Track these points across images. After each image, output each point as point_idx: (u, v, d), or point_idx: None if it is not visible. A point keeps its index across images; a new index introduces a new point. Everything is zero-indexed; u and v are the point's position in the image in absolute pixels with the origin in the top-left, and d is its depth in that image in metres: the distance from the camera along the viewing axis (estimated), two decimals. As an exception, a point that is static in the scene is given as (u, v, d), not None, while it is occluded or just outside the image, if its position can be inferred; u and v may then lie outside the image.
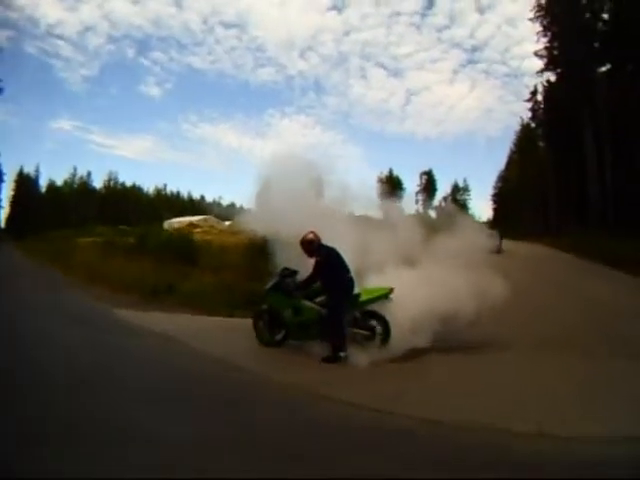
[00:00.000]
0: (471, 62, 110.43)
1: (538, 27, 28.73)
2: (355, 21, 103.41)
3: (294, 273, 6.55)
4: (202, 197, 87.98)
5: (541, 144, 40.83)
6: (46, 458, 2.99)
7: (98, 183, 77.85)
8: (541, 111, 34.43)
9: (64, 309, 9.26)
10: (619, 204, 24.46)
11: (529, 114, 38.64)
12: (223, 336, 7.21)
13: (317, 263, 6.22)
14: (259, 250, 13.72)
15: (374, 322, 6.16)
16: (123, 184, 79.59)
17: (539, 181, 41.95)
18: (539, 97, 34.43)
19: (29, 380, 4.65)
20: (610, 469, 3.17)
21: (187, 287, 10.82)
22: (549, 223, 38.13)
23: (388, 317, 6.10)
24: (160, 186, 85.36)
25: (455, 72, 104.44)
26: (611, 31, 22.73)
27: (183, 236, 15.84)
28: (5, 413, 3.75)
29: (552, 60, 28.50)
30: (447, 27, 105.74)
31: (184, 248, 14.32)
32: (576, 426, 3.87)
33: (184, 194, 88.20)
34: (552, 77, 30.59)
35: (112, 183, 78.21)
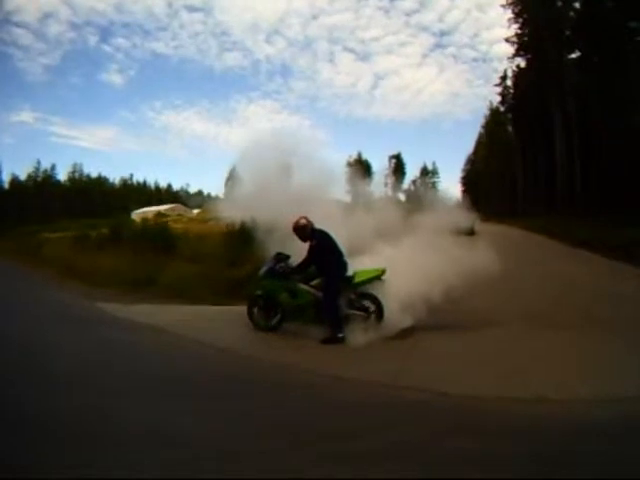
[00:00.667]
0: (440, 46, 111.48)
1: (508, 13, 29.23)
2: (323, 4, 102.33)
3: (288, 257, 6.61)
4: (169, 186, 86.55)
5: (509, 128, 41.74)
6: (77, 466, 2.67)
7: (63, 176, 75.65)
8: (510, 96, 35.09)
9: (47, 306, 8.85)
10: (587, 189, 25.29)
11: (498, 98, 39.45)
12: (217, 325, 7.10)
13: (312, 247, 6.31)
14: (237, 237, 13.69)
15: (368, 303, 6.34)
16: (88, 176, 77.52)
17: (507, 164, 42.98)
18: (508, 82, 35.01)
19: (38, 384, 4.12)
20: (607, 427, 3.47)
21: (167, 277, 10.58)
22: (517, 206, 39.13)
23: (381, 297, 6.28)
24: (126, 176, 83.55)
25: (423, 56, 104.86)
26: (581, 20, 23.34)
27: (159, 226, 15.47)
28: (20, 420, 3.33)
29: (522, 46, 29.12)
30: (416, 11, 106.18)
31: (160, 238, 13.94)
32: (571, 390, 4.24)
33: (151, 183, 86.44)
34: (522, 63, 31.23)
35: (77, 175, 75.99)
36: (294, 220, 6.41)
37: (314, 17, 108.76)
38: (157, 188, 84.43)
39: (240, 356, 5.59)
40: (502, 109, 40.65)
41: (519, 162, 38.24)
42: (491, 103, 48.52)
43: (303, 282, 6.48)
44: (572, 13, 24.95)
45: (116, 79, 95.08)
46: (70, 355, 5.21)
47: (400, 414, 3.89)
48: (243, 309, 7.96)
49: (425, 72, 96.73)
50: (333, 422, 3.61)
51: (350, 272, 6.40)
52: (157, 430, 3.20)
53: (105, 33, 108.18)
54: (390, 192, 10.14)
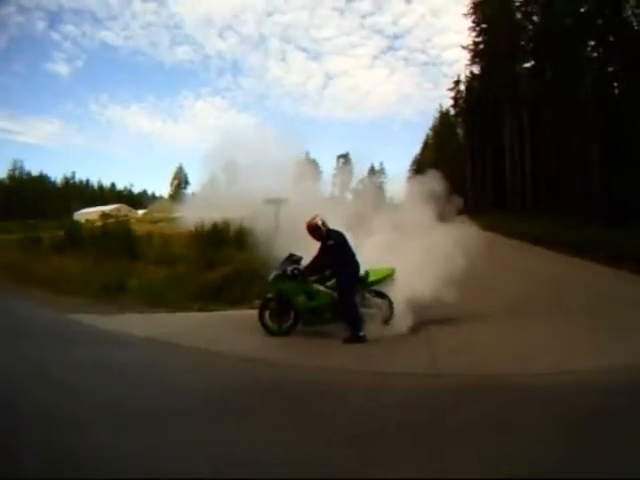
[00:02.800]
0: (392, 49, 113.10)
1: (461, 19, 30.36)
2: (280, 2, 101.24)
3: (301, 259, 6.54)
4: (112, 185, 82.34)
5: (459, 131, 43.23)
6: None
7: (1, 173, 70.66)
8: (462, 100, 36.31)
9: (11, 320, 7.53)
10: (537, 191, 26.71)
11: (447, 101, 40.76)
12: (225, 332, 6.76)
13: (329, 247, 6.33)
14: (207, 239, 13.20)
15: (379, 301, 6.51)
16: (29, 173, 72.35)
17: (456, 166, 44.55)
18: (461, 87, 36.22)
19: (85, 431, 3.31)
20: (614, 392, 3.96)
21: (138, 283, 9.92)
22: (466, 205, 40.63)
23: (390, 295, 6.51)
24: (68, 175, 78.44)
25: (375, 58, 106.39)
26: (538, 32, 24.77)
27: (120, 227, 14.56)
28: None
29: (478, 53, 30.34)
30: (371, 13, 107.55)
31: (123, 240, 13.12)
32: (583, 362, 4.81)
33: (94, 182, 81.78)
34: (475, 69, 32.49)
35: (17, 173, 70.75)
36: (309, 219, 6.42)
37: (269, 14, 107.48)
38: (101, 187, 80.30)
39: (273, 364, 5.34)
40: (453, 112, 42.16)
41: (468, 164, 39.65)
42: (441, 106, 49.99)
43: (319, 283, 6.47)
44: (530, 25, 26.44)
45: (62, 69, 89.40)
46: (92, 387, 4.31)
47: (460, 399, 4.13)
48: (240, 313, 7.88)
49: (376, 74, 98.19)
50: (425, 415, 3.73)
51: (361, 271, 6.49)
52: (254, 454, 2.96)
53: (54, 19, 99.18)
54: (337, 192, 10.31)
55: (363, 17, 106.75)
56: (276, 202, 11.67)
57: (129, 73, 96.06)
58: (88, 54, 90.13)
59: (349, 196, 10.88)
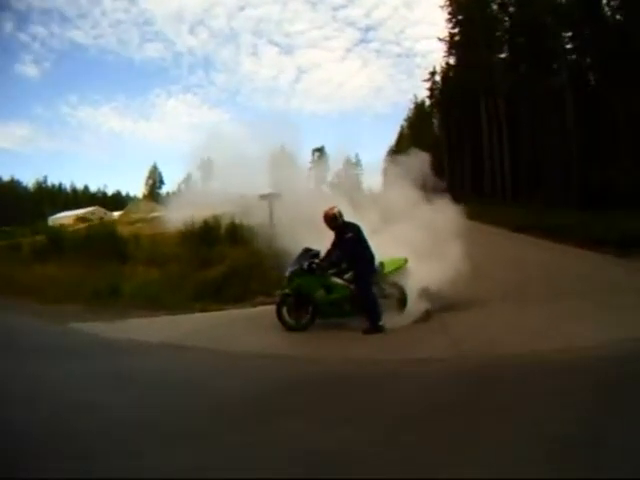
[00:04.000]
0: (364, 41, 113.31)
1: (434, 11, 30.70)
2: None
3: (318, 253, 6.60)
4: (86, 188, 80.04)
5: (435, 121, 43.66)
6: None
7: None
8: (439, 91, 36.67)
9: (7, 335, 7.02)
10: (515, 180, 27.30)
11: (421, 92, 41.04)
12: (241, 331, 6.71)
13: (347, 240, 6.38)
14: (198, 237, 12.97)
15: (392, 290, 6.66)
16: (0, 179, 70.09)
17: (432, 156, 44.96)
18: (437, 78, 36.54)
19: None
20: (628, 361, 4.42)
21: (132, 285, 9.66)
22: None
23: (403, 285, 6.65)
24: (40, 179, 76.03)
25: (347, 50, 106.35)
26: (514, 23, 25.31)
27: (105, 230, 14.16)
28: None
29: (454, 45, 30.75)
30: (344, 6, 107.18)
31: (109, 243, 12.77)
32: (591, 337, 5.18)
33: (67, 186, 79.25)
34: (451, 60, 32.86)
35: (-13, 179, 68.22)
36: (326, 209, 6.53)
37: (241, 9, 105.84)
38: (74, 191, 78.02)
39: (305, 360, 5.38)
40: (428, 103, 42.59)
41: (446, 154, 40.10)
42: (416, 97, 50.33)
43: (336, 276, 6.53)
44: (506, 17, 26.94)
45: (31, 71, 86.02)
46: (129, 402, 4.04)
47: (495, 375, 4.42)
48: (247, 312, 7.99)
49: (348, 66, 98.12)
50: (469, 395, 3.88)
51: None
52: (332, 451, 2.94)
53: (22, 19, 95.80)
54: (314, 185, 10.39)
55: (335, 10, 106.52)
56: (269, 197, 11.64)
57: (99, 73, 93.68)
58: (57, 54, 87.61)
59: (325, 189, 10.94)
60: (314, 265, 6.47)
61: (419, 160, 8.56)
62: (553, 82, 23.10)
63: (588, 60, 21.80)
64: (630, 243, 12.07)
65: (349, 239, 6.38)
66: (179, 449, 3.02)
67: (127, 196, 75.00)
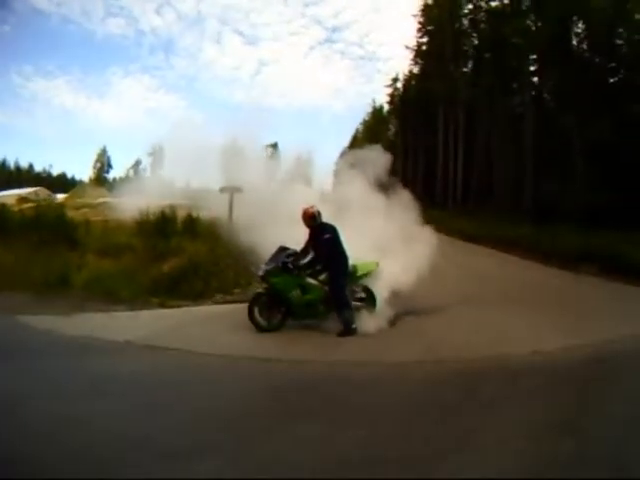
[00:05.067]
0: (329, 41, 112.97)
1: (400, 18, 31.30)
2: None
3: (296, 252, 6.50)
4: (30, 166, 74.82)
5: (391, 127, 44.43)
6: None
7: None
8: (399, 97, 37.34)
9: None
10: (467, 192, 28.35)
11: (380, 96, 41.60)
12: (214, 331, 6.40)
13: (326, 240, 6.33)
14: (154, 228, 12.40)
15: (362, 293, 6.70)
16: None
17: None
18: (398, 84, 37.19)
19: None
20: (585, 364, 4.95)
21: (84, 276, 9.07)
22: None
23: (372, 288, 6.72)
24: (-19, 154, 70.20)
25: (311, 48, 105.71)
26: (482, 39, 26.33)
27: (54, 212, 13.18)
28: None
29: (420, 54, 31.48)
30: (314, 3, 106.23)
31: (58, 228, 11.88)
32: (555, 342, 5.58)
33: (10, 163, 73.69)
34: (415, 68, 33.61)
35: None
36: (306, 207, 6.49)
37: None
38: (18, 168, 72.64)
39: (289, 362, 5.27)
40: (387, 108, 43.26)
41: (400, 161, 40.89)
42: (374, 101, 50.90)
43: (311, 277, 6.47)
44: (474, 32, 27.93)
45: None
46: (126, 412, 3.68)
47: (474, 378, 4.65)
48: (212, 309, 7.77)
49: (310, 64, 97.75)
50: (457, 396, 4.12)
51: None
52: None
53: None
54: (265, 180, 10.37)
55: (306, 6, 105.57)
56: (230, 190, 11.35)
57: (57, 43, 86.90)
58: (17, 18, 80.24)
59: (276, 186, 10.93)
60: (291, 265, 6.35)
61: (374, 156, 8.63)
62: (514, 99, 24.27)
63: (549, 83, 22.91)
64: (574, 257, 12.94)
65: (327, 240, 6.32)
66: (181, 465, 2.84)
67: (72, 179, 70.91)
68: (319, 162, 12.02)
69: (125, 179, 50.75)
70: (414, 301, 7.21)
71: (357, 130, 61.89)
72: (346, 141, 62.93)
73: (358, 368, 5.11)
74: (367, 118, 56.65)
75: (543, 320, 6.68)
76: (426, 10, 30.94)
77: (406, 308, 7.03)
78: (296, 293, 6.32)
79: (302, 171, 10.81)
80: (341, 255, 6.41)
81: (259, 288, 6.66)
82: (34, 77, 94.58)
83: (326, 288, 6.40)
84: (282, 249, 6.47)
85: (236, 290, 8.85)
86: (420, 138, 34.35)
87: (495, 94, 24.68)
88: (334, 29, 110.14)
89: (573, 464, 2.86)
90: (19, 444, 3.03)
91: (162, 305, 7.83)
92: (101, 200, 26.73)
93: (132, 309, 7.53)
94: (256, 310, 6.31)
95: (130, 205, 15.82)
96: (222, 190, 11.44)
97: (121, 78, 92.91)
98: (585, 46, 19.84)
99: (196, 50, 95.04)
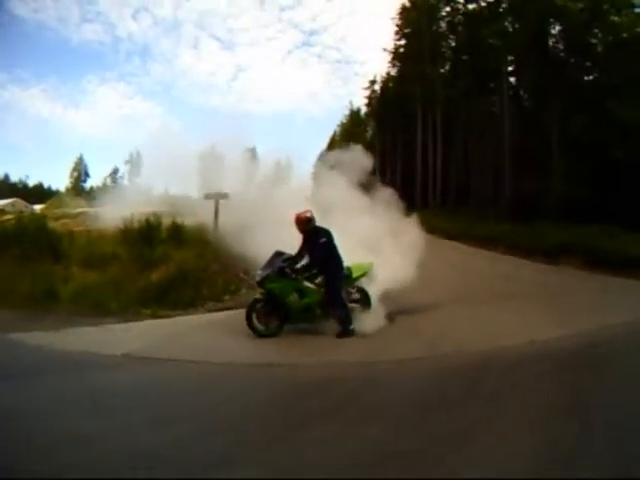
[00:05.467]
0: (306, 44, 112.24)
1: (377, 21, 31.56)
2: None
3: (292, 257, 6.51)
4: (6, 176, 72.71)
5: (369, 130, 44.64)
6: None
7: None
8: (376, 99, 37.57)
9: None
10: (445, 191, 28.74)
11: (356, 99, 41.74)
12: (214, 339, 6.38)
13: (322, 244, 6.38)
14: (139, 237, 12.18)
15: (357, 294, 6.78)
16: None
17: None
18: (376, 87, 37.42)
19: None
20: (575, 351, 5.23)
21: (70, 289, 8.81)
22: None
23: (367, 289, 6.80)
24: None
25: (289, 52, 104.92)
26: (460, 41, 26.76)
27: (36, 224, 12.82)
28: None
29: (398, 56, 31.84)
30: (291, 7, 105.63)
31: (42, 240, 11.52)
32: (548, 333, 5.82)
33: (-15, 174, 71.32)
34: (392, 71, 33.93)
35: None
36: (299, 212, 6.51)
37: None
38: None
39: (294, 367, 5.30)
40: (366, 111, 43.44)
41: (378, 161, 41.14)
42: (351, 104, 51.01)
43: (308, 280, 6.51)
44: (452, 35, 28.42)
45: None
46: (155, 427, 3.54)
47: (479, 370, 4.81)
48: (205, 318, 7.75)
49: (287, 68, 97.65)
50: (463, 389, 4.23)
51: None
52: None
53: None
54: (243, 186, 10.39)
55: (282, 10, 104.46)
56: (216, 197, 11.28)
57: (33, 50, 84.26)
58: None
59: (254, 191, 10.98)
60: (288, 269, 6.37)
61: (353, 156, 8.72)
62: (491, 99, 24.76)
63: (526, 82, 23.38)
64: (556, 252, 13.27)
65: (323, 244, 6.38)
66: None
67: (49, 189, 69.18)
68: (297, 165, 11.99)
69: (103, 188, 49.85)
70: (407, 299, 7.31)
71: (334, 133, 61.74)
72: (324, 144, 63.12)
73: (361, 368, 5.19)
74: (344, 121, 56.59)
75: (534, 313, 6.93)
76: (404, 13, 31.26)
77: (400, 307, 7.11)
78: (294, 297, 6.35)
79: (281, 175, 10.85)
80: (336, 258, 6.46)
81: (256, 294, 6.65)
82: (9, 85, 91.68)
83: (322, 291, 6.44)
84: (278, 254, 6.48)
85: (226, 297, 8.81)
86: (398, 139, 34.61)
87: (472, 94, 25.10)
88: (311, 32, 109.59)
89: (577, 449, 2.97)
90: (22, 463, 2.91)
91: (153, 315, 7.72)
92: (80, 210, 26.20)
93: (123, 321, 7.38)
94: (254, 316, 6.31)
95: (111, 214, 15.60)
96: (207, 197, 11.37)
97: (96, 85, 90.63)
98: (561, 46, 20.28)
99: (172, 56, 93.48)
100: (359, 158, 8.72)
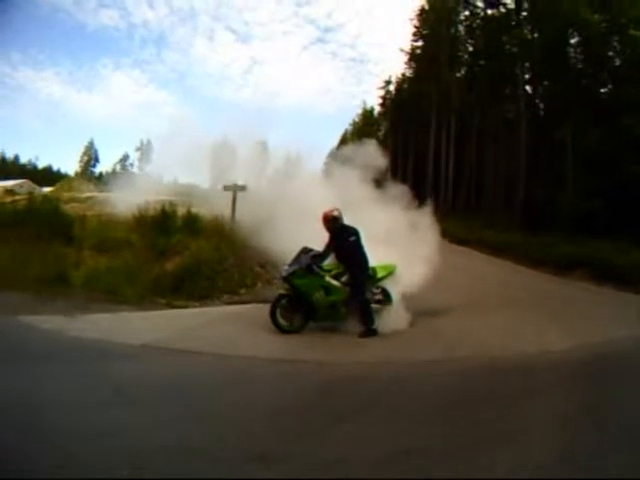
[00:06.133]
0: (321, 41, 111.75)
1: (393, 20, 31.40)
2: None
3: (320, 254, 6.50)
4: (16, 158, 72.44)
5: (382, 129, 44.55)
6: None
7: None
8: (390, 99, 37.50)
9: None
10: (457, 194, 28.70)
11: (369, 98, 41.59)
12: (231, 333, 6.24)
13: (351, 243, 6.41)
14: (154, 224, 12.11)
15: (380, 295, 6.77)
16: None
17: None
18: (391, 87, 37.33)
19: None
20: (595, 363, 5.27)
21: (82, 274, 8.81)
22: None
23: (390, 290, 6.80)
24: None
25: (304, 48, 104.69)
26: (477, 46, 26.73)
27: (49, 205, 12.77)
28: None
29: (414, 57, 31.81)
30: (307, 3, 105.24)
31: (54, 222, 11.35)
32: (562, 342, 6.01)
33: (-5, 154, 71.05)
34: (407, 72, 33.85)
35: None
36: (327, 210, 6.50)
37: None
38: (3, 160, 70.20)
39: (319, 364, 5.21)
40: (379, 111, 43.35)
41: (389, 162, 41.03)
42: (365, 103, 50.92)
43: (334, 278, 6.49)
44: (470, 40, 28.37)
45: None
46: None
47: (502, 373, 4.98)
48: (225, 310, 7.65)
49: (302, 64, 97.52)
50: (489, 389, 4.47)
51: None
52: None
53: None
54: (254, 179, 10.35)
55: (299, 5, 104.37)
56: (234, 189, 11.26)
57: (48, 33, 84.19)
58: (8, 4, 77.33)
59: (265, 183, 11.00)
60: (315, 266, 6.34)
61: (365, 152, 8.73)
62: (506, 107, 24.72)
63: (541, 91, 23.34)
64: (566, 263, 13.28)
65: (352, 242, 6.38)
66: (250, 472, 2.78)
67: (58, 172, 69.00)
68: (308, 161, 11.89)
69: (112, 174, 49.86)
70: (422, 301, 7.23)
71: (346, 131, 61.77)
72: (335, 141, 63.01)
73: (386, 368, 5.21)
74: (357, 119, 56.55)
75: (546, 322, 7.03)
76: (422, 14, 31.16)
77: (418, 309, 7.08)
78: (320, 295, 6.33)
79: (291, 169, 10.81)
80: (363, 257, 6.45)
81: (273, 289, 6.70)
82: (21, 67, 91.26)
83: (347, 290, 6.43)
84: (305, 250, 6.44)
85: (242, 290, 8.75)
86: (411, 140, 34.55)
87: (487, 100, 25.05)
88: (327, 29, 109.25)
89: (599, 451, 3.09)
90: (45, 460, 2.75)
91: (169, 305, 7.65)
92: (89, 194, 26.12)
93: (139, 309, 7.27)
94: (278, 311, 6.27)
95: (121, 200, 15.57)
96: (226, 188, 11.35)
97: (111, 71, 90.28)
98: (579, 57, 20.21)
99: (188, 46, 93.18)
100: (372, 154, 8.69)
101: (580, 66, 20.02)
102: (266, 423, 3.53)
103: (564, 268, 13.25)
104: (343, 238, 6.44)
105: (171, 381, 4.45)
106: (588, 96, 18.78)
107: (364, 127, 51.93)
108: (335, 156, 10.82)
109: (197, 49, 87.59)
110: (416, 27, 31.14)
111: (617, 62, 19.02)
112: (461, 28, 29.56)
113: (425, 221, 7.89)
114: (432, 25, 29.91)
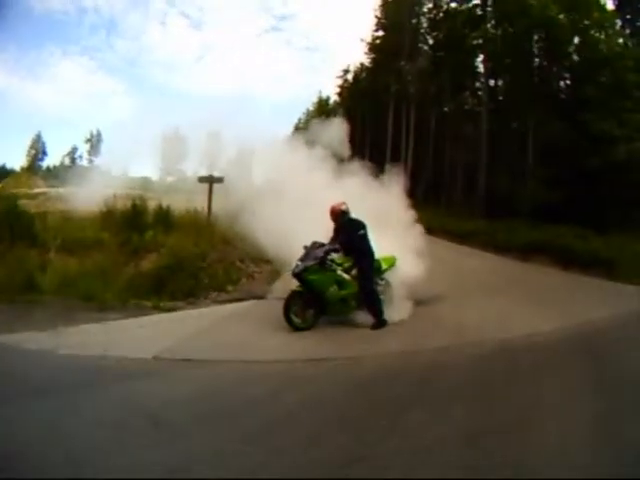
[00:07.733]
0: (276, 29, 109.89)
1: (350, 10, 31.26)
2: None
3: (332, 248, 6.41)
4: None
5: (337, 118, 44.51)
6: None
7: None
8: (347, 89, 37.49)
9: None
10: (415, 186, 29.25)
11: (324, 88, 41.38)
12: (243, 335, 6.00)
13: (360, 237, 6.40)
14: (124, 221, 11.46)
15: (384, 287, 6.84)
16: None
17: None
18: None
19: None
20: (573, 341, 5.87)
21: (53, 278, 8.07)
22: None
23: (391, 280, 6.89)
24: None
25: (258, 36, 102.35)
26: (438, 38, 27.13)
27: (6, 204, 11.70)
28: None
29: (374, 48, 31.98)
30: None
31: (13, 222, 10.58)
32: (548, 324, 6.41)
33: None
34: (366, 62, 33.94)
35: None
36: (335, 204, 6.51)
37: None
38: None
39: (347, 360, 5.27)
40: (336, 100, 43.29)
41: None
42: (320, 92, 50.68)
43: (345, 272, 6.47)
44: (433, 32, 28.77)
45: None
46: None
47: (513, 354, 5.41)
48: (220, 310, 7.38)
49: (255, 52, 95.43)
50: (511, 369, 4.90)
51: None
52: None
53: None
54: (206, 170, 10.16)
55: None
56: (210, 181, 10.89)
57: None
58: None
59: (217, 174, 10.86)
60: (329, 261, 6.27)
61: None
62: (466, 99, 25.40)
63: (503, 84, 24.10)
64: (531, 249, 13.87)
65: (361, 236, 6.38)
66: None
67: (3, 167, 64.54)
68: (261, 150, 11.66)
69: (61, 167, 47.09)
70: (411, 289, 7.30)
71: (299, 120, 61.21)
72: (288, 131, 62.44)
73: (411, 356, 5.37)
74: (311, 108, 56.14)
75: (528, 307, 7.44)
76: (385, 5, 31.23)
77: (419, 298, 7.25)
78: (334, 289, 6.29)
79: (243, 160, 10.67)
80: (371, 250, 6.49)
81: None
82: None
83: (356, 283, 6.43)
84: (317, 245, 6.34)
85: (229, 287, 8.47)
86: (369, 131, 34.74)
87: (447, 91, 25.55)
88: (282, 18, 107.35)
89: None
90: None
91: (157, 308, 7.19)
92: (39, 190, 24.60)
93: (128, 316, 6.67)
94: (292, 309, 6.14)
95: (75, 195, 14.81)
96: (201, 180, 10.98)
97: (59, 59, 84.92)
98: (540, 53, 20.99)
99: (139, 32, 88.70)
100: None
101: (541, 62, 20.78)
102: (355, 422, 3.59)
103: (528, 253, 13.77)
104: (352, 231, 6.42)
105: (207, 398, 4.04)
106: (548, 91, 19.57)
107: (318, 117, 51.65)
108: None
109: (149, 35, 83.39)
110: (377, 17, 31.23)
111: (575, 60, 19.93)
112: (424, 20, 29.91)
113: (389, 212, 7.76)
114: (394, 15, 30.01)
